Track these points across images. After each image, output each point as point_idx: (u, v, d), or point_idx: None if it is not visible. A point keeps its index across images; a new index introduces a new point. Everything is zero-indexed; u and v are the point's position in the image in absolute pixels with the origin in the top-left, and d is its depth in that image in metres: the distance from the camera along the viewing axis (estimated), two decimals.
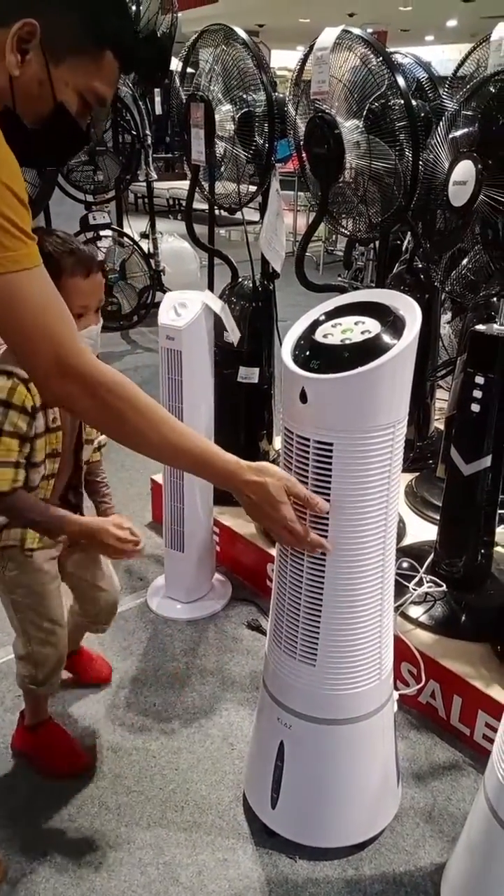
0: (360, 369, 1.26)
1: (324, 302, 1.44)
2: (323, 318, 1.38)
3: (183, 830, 1.68)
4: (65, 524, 1.46)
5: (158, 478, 2.73)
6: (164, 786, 1.78)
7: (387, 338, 1.30)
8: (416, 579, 2.15)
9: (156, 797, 1.75)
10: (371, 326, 1.33)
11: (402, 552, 2.31)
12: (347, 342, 1.31)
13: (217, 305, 2.05)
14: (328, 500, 1.35)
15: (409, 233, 2.87)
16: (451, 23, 12.59)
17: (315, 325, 1.38)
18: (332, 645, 1.45)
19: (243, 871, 1.59)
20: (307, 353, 1.34)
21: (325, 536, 1.37)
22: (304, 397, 1.31)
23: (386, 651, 1.52)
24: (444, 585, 2.13)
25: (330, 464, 1.33)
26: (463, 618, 2.07)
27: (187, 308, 2.01)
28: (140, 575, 2.58)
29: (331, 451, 1.32)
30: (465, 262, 1.97)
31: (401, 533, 2.50)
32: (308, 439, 1.33)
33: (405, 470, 2.84)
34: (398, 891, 1.56)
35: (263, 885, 1.56)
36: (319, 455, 1.33)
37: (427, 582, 2.14)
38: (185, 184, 2.50)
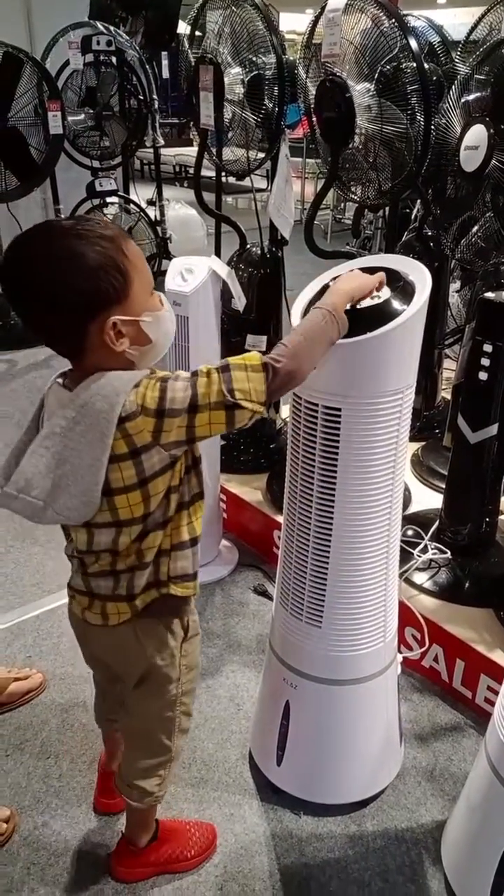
0: (369, 335, 1.26)
1: (334, 267, 1.44)
2: (332, 283, 1.38)
3: (191, 787, 1.72)
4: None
5: None
6: (185, 746, 1.82)
7: (396, 303, 1.31)
8: (421, 546, 2.17)
9: None
10: (381, 292, 1.33)
11: (408, 520, 2.33)
12: (357, 307, 1.32)
13: (224, 271, 2.04)
14: (335, 466, 1.37)
15: (418, 200, 2.84)
16: None
17: (325, 290, 1.38)
18: (338, 607, 1.47)
19: (249, 826, 1.63)
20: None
21: (333, 500, 1.39)
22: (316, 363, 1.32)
23: (391, 614, 1.55)
24: (449, 552, 2.15)
25: (338, 430, 1.34)
26: (467, 584, 2.09)
27: (194, 273, 2.01)
28: None
29: (339, 416, 1.33)
30: (475, 229, 1.96)
31: (406, 501, 2.52)
32: (316, 405, 1.34)
33: (412, 438, 2.86)
34: (399, 846, 1.60)
35: (268, 840, 1.61)
36: (328, 421, 1.34)
37: (432, 549, 2.16)
38: (193, 150, 2.47)
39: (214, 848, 1.58)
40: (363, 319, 1.28)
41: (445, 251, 2.61)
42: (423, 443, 2.85)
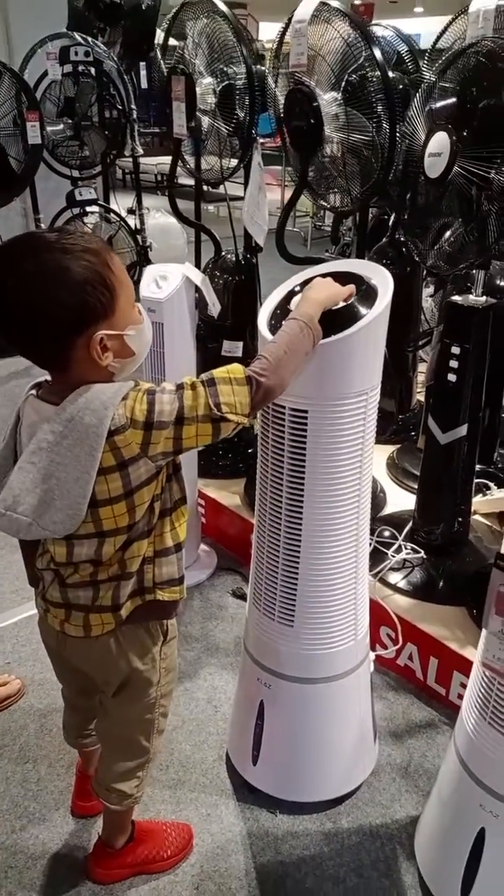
0: (332, 338, 1.29)
1: (298, 273, 1.47)
2: (298, 288, 1.41)
3: (168, 788, 1.74)
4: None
5: None
6: (161, 746, 1.83)
7: (359, 307, 1.33)
8: (395, 546, 2.20)
9: None
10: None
11: (383, 521, 2.36)
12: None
13: (198, 278, 2.07)
14: (303, 467, 1.39)
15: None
16: None
17: (291, 295, 1.41)
18: (309, 606, 1.50)
19: (226, 826, 1.65)
20: (283, 322, 1.37)
21: (301, 500, 1.41)
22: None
23: (361, 612, 1.57)
24: (423, 552, 2.18)
25: (305, 431, 1.37)
26: (440, 583, 2.12)
27: (168, 280, 2.03)
28: None
29: (306, 418, 1.36)
30: (447, 234, 1.99)
31: (381, 502, 2.55)
32: (283, 407, 1.37)
33: (387, 441, 2.91)
34: (374, 842, 1.62)
35: (245, 839, 1.62)
36: (295, 423, 1.37)
37: (406, 549, 2.19)
38: (191, 159, 2.50)
39: (191, 848, 1.59)
40: (327, 322, 1.31)
41: (414, 257, 2.65)
42: (399, 445, 2.88)
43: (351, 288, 1.32)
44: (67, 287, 1.01)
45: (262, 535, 1.52)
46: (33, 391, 1.13)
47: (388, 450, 2.90)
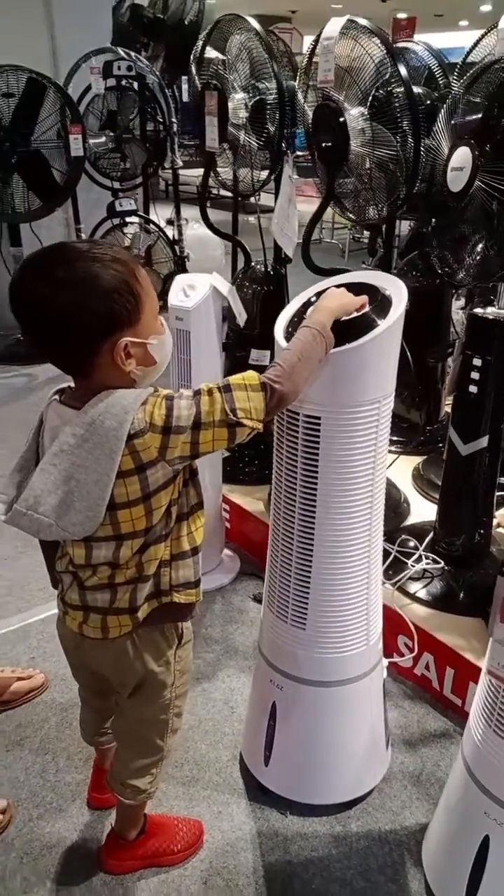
0: (345, 346, 1.33)
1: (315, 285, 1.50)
2: (314, 298, 1.45)
3: (182, 785, 1.77)
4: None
5: None
6: (176, 745, 1.87)
7: (373, 317, 1.37)
8: (416, 556, 2.21)
9: None
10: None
11: (405, 531, 2.37)
12: (339, 320, 1.38)
13: (224, 288, 2.12)
14: (316, 473, 1.42)
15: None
16: (486, 7, 12.43)
17: (307, 305, 1.44)
18: (321, 609, 1.52)
19: (236, 824, 1.68)
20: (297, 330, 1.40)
21: (314, 505, 1.44)
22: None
23: (374, 618, 1.59)
24: (443, 563, 2.19)
25: (318, 437, 1.40)
26: (459, 594, 2.13)
27: (196, 289, 2.09)
28: None
29: (319, 425, 1.39)
30: (469, 247, 2.01)
31: (405, 513, 2.57)
32: (297, 414, 1.41)
33: (414, 453, 2.92)
34: (382, 847, 1.64)
35: (255, 838, 1.65)
36: (308, 429, 1.40)
37: (426, 559, 2.20)
38: (224, 171, 2.57)
39: (201, 843, 1.63)
40: (342, 331, 1.34)
41: (437, 269, 2.66)
42: (425, 457, 2.89)
43: (363, 298, 1.36)
44: (97, 294, 1.07)
45: (276, 538, 1.55)
46: (56, 396, 1.18)
47: (415, 461, 2.90)
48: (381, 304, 1.38)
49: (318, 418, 1.38)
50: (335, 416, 1.38)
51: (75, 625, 1.29)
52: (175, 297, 2.12)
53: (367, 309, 1.35)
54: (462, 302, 3.27)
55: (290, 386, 1.18)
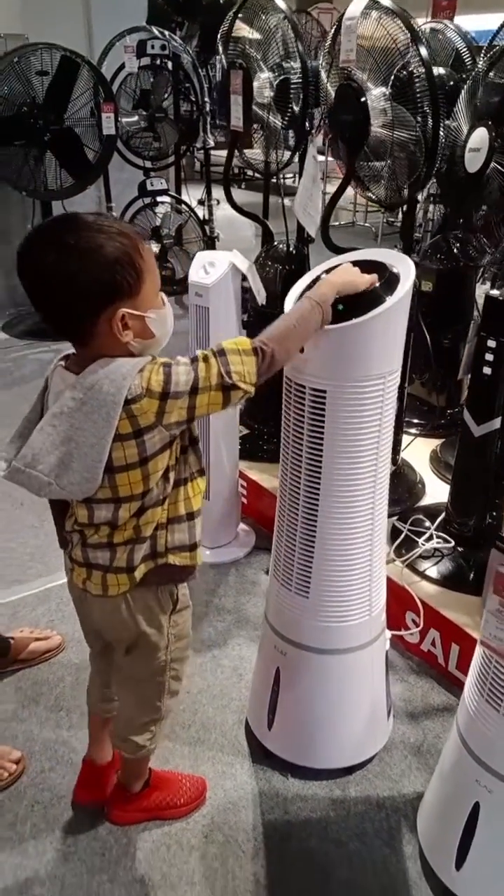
0: (352, 321, 1.36)
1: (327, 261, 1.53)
2: (324, 274, 1.48)
3: (188, 745, 1.84)
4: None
5: None
6: (175, 706, 1.94)
7: (381, 293, 1.39)
8: (427, 535, 2.25)
9: None
10: None
11: (418, 511, 2.40)
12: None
13: (244, 265, 2.16)
14: (321, 446, 1.46)
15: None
16: None
17: (317, 280, 1.48)
18: (324, 579, 1.57)
19: (239, 784, 1.74)
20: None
21: (319, 476, 1.48)
22: (301, 347, 1.42)
23: (376, 590, 1.63)
24: (453, 543, 2.21)
25: (323, 410, 1.44)
26: (467, 573, 2.15)
27: (216, 267, 2.13)
28: None
29: (324, 398, 1.43)
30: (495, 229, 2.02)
31: (419, 493, 2.59)
32: (304, 387, 1.44)
33: (433, 435, 2.94)
34: (379, 812, 1.68)
35: (256, 797, 1.71)
36: (314, 402, 1.44)
37: (436, 538, 2.23)
38: (249, 152, 2.60)
39: (204, 800, 1.69)
40: (350, 307, 1.37)
41: (471, 252, 2.66)
42: (444, 440, 2.90)
43: (373, 277, 1.38)
44: (100, 264, 1.11)
45: (282, 509, 1.60)
46: (62, 362, 1.23)
47: (434, 443, 2.92)
48: (388, 280, 1.41)
49: (324, 392, 1.42)
50: (341, 390, 1.41)
51: (80, 581, 1.35)
52: (195, 274, 2.16)
53: (374, 288, 1.38)
54: (488, 286, 3.26)
55: (280, 351, 1.23)
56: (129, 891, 1.52)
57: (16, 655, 2.05)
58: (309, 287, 1.47)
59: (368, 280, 1.38)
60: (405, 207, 2.17)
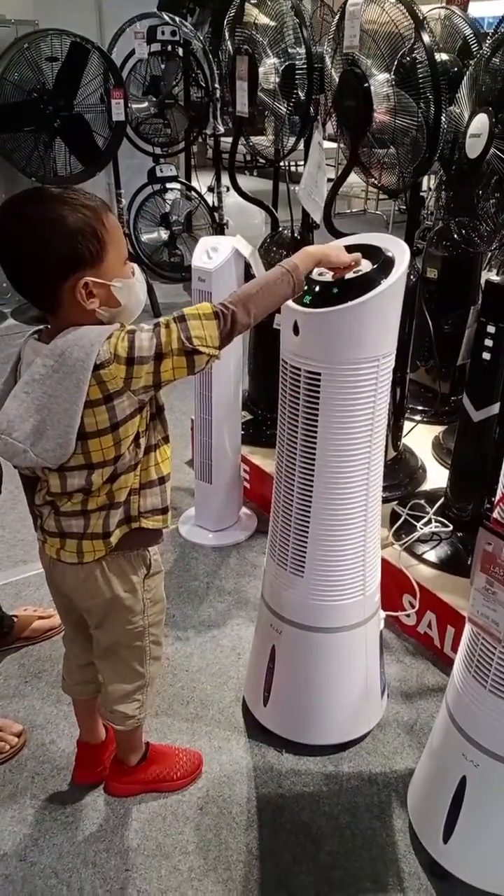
0: (344, 305, 1.38)
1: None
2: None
3: (185, 721, 1.88)
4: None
5: None
6: (174, 683, 1.99)
7: (375, 276, 1.41)
8: (425, 519, 2.27)
9: (166, 692, 1.96)
10: (363, 266, 1.44)
11: (419, 496, 2.43)
12: (341, 279, 1.43)
13: (247, 250, 2.18)
14: (316, 427, 1.49)
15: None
16: None
17: None
18: (319, 558, 1.60)
19: (234, 758, 1.78)
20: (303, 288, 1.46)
21: (314, 457, 1.51)
22: (296, 330, 1.45)
23: (370, 570, 1.66)
24: (452, 527, 2.24)
25: (318, 392, 1.46)
26: (465, 557, 2.17)
27: (218, 252, 2.15)
28: (174, 504, 2.77)
29: (319, 380, 1.45)
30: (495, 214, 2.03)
31: (420, 479, 2.61)
32: (299, 369, 1.47)
33: (436, 422, 2.96)
34: (371, 787, 1.72)
35: (250, 771, 1.75)
36: (309, 384, 1.46)
37: (435, 523, 2.26)
38: (262, 139, 2.62)
39: (200, 773, 1.73)
40: (343, 290, 1.40)
41: (475, 238, 2.67)
42: (446, 426, 2.92)
43: (356, 256, 1.40)
44: (62, 234, 1.15)
45: (278, 490, 1.63)
46: (35, 335, 1.27)
47: (437, 430, 2.94)
48: (383, 264, 1.43)
49: (319, 374, 1.45)
50: (335, 373, 1.44)
51: (53, 551, 1.37)
52: (198, 259, 2.18)
53: (360, 267, 1.40)
54: (494, 273, 3.27)
55: (241, 313, 1.24)
56: (124, 859, 1.56)
57: (19, 633, 2.10)
58: None
59: (350, 258, 1.40)
60: (409, 193, 2.18)
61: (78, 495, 1.29)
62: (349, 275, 1.42)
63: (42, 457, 1.21)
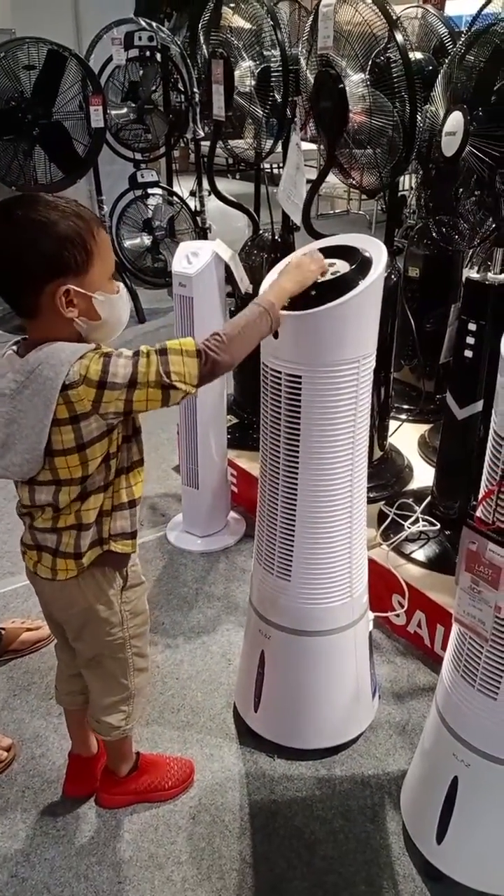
0: (325, 306, 1.37)
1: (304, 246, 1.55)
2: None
3: (176, 729, 1.86)
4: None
5: None
6: (165, 691, 1.97)
7: (353, 277, 1.41)
8: (413, 518, 2.26)
9: (156, 700, 1.94)
10: (340, 267, 1.44)
11: (405, 495, 2.42)
12: (317, 281, 1.43)
13: (227, 255, 2.17)
14: (298, 430, 1.48)
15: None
16: None
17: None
18: (305, 562, 1.59)
19: (226, 765, 1.77)
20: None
21: (297, 460, 1.50)
22: (276, 333, 1.44)
23: (357, 572, 1.65)
24: (439, 526, 2.23)
25: (299, 395, 1.45)
26: (452, 555, 2.17)
27: (199, 257, 2.14)
28: (162, 511, 2.77)
29: (300, 383, 1.44)
30: (472, 212, 2.03)
31: (407, 477, 2.61)
32: (280, 373, 1.46)
33: (422, 421, 2.95)
34: (364, 790, 1.71)
35: (243, 778, 1.74)
36: (290, 387, 1.46)
37: (422, 522, 2.25)
38: (238, 142, 2.61)
39: (191, 782, 1.72)
40: (321, 291, 1.39)
41: (455, 237, 2.67)
42: (432, 425, 2.92)
43: (322, 266, 1.40)
44: (49, 237, 1.14)
45: (263, 494, 1.62)
46: (14, 347, 1.25)
47: (422, 429, 2.94)
48: (361, 264, 1.43)
49: (299, 377, 1.44)
50: (316, 375, 1.43)
51: (31, 564, 1.37)
52: (178, 264, 2.18)
53: (338, 268, 1.40)
54: (474, 271, 3.27)
55: (224, 356, 1.23)
56: (117, 871, 1.55)
57: (7, 645, 2.08)
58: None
59: (318, 269, 1.40)
60: (387, 193, 2.18)
61: (48, 510, 1.28)
62: (327, 276, 1.42)
63: (10, 470, 1.21)
